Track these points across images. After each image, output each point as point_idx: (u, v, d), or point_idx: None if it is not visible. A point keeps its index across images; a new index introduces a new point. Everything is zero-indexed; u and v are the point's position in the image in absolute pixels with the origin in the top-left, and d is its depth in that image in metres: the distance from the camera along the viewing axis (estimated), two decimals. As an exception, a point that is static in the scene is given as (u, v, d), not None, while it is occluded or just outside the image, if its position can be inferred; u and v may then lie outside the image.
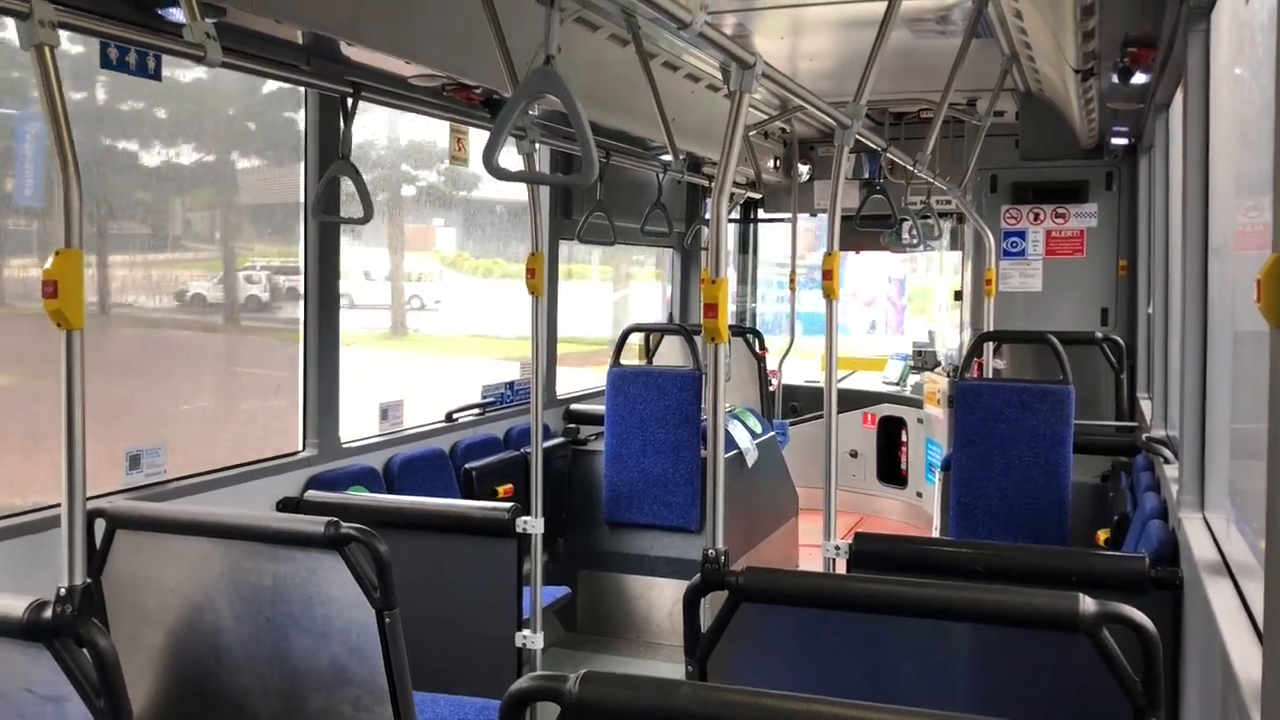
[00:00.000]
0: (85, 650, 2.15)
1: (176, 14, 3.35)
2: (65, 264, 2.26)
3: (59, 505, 2.36)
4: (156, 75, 3.65)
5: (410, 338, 5.86)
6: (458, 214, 6.54)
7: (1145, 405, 6.22)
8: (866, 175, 8.78)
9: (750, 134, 7.71)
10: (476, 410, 5.93)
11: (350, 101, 4.22)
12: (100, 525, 3.20)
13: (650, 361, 7.43)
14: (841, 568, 3.50)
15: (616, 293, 9.15)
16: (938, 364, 9.41)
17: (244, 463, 4.35)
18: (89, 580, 2.29)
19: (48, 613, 2.12)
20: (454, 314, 6.63)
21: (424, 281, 5.87)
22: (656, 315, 9.17)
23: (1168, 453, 4.45)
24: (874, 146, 4.76)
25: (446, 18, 4.35)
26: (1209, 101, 3.40)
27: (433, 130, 5.56)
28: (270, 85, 4.60)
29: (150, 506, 3.35)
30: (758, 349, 8.59)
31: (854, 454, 9.44)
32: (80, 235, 2.31)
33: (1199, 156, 3.44)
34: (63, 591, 2.18)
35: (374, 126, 5.19)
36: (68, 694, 2.14)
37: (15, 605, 2.13)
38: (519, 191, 6.11)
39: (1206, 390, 3.40)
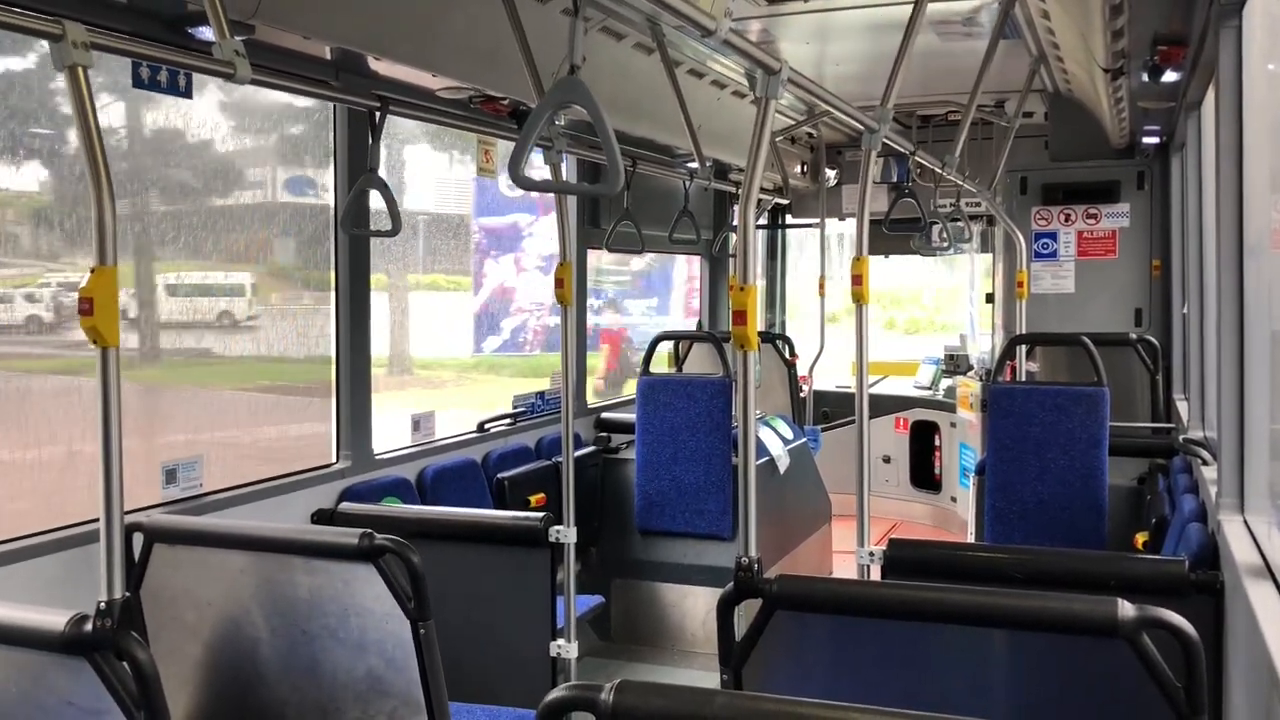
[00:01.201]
0: (125, 663, 2.17)
1: (206, 32, 3.38)
2: (100, 282, 2.31)
3: (97, 520, 2.39)
4: (188, 93, 3.70)
5: (164, 364, 4.40)
6: (288, 220, 4.89)
7: (1181, 406, 6.15)
8: (895, 179, 8.74)
9: (777, 139, 7.70)
10: (508, 420, 5.95)
11: (378, 116, 4.25)
12: (138, 539, 3.23)
13: (679, 369, 7.43)
14: (876, 574, 3.48)
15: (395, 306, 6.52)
16: (970, 367, 9.35)
17: (278, 475, 4.38)
18: (128, 594, 2.32)
19: (88, 626, 2.15)
20: (269, 333, 4.89)
21: (239, 296, 4.69)
22: (464, 338, 7.13)
23: (1206, 454, 4.39)
24: (902, 150, 4.74)
25: (473, 31, 4.38)
26: (1241, 98, 3.36)
27: (184, 115, 4.20)
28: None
29: (187, 520, 3.39)
30: (788, 355, 8.57)
31: (887, 459, 9.39)
32: (115, 254, 2.35)
33: (1232, 154, 3.39)
34: (102, 605, 2.20)
35: (112, 113, 3.94)
36: (108, 707, 2.16)
37: (56, 619, 2.16)
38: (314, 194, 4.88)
39: (1244, 390, 3.36)
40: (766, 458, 6.39)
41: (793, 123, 7.46)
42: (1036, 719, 2.19)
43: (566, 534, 3.99)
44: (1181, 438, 5.11)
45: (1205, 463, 4.32)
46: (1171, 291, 7.22)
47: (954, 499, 8.91)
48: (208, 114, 4.41)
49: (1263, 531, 3.11)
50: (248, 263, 4.74)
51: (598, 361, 8.27)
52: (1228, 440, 3.39)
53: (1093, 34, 4.71)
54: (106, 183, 2.34)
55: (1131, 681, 2.11)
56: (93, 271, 2.31)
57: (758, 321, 2.88)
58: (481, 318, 7.12)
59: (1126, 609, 2.12)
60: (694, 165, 6.24)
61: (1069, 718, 2.41)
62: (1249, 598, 2.55)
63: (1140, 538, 4.62)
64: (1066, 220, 7.80)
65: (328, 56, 4.32)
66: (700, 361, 7.55)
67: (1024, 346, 6.68)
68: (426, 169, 6.68)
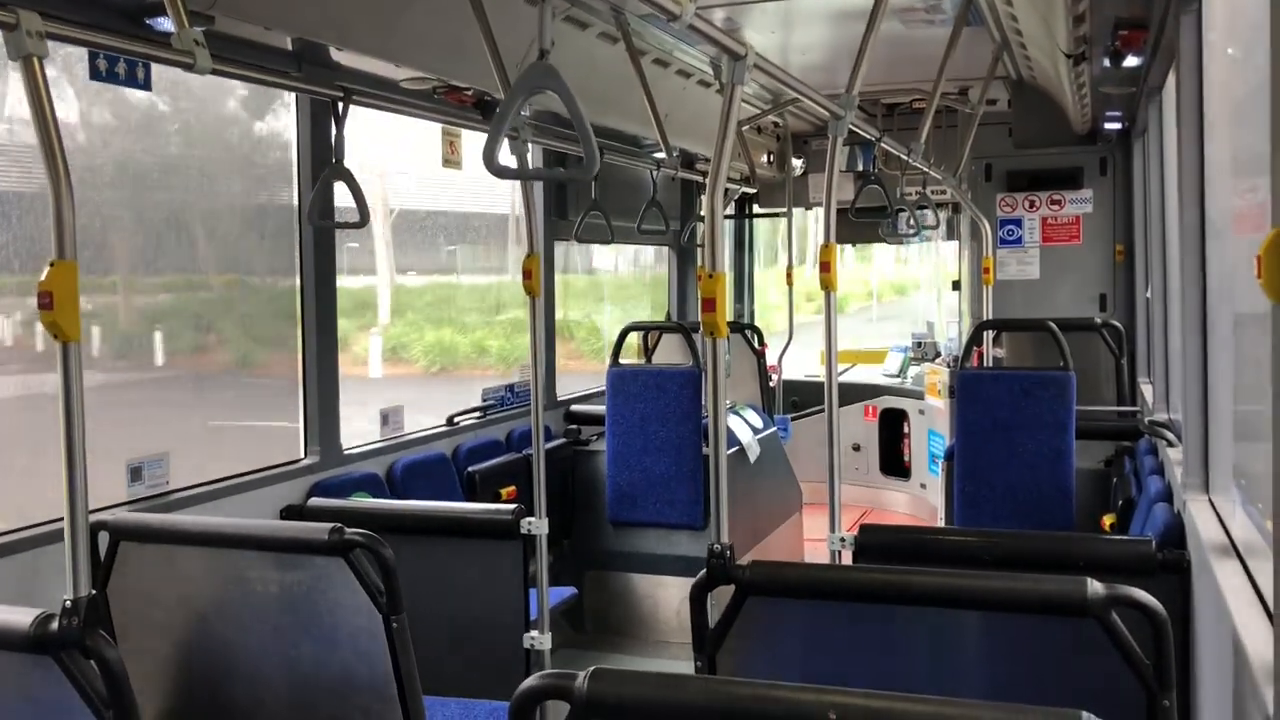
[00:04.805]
0: (93, 662, 2.14)
1: (165, 23, 3.34)
2: (59, 276, 2.27)
3: (62, 519, 2.35)
4: (146, 85, 3.64)
5: None
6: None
7: (1146, 389, 6.21)
8: (861, 167, 8.77)
9: (743, 129, 7.70)
10: (477, 413, 5.92)
11: (341, 106, 4.21)
12: (104, 538, 3.19)
13: (649, 360, 7.42)
14: (847, 559, 3.49)
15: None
16: (937, 355, 9.41)
17: (246, 471, 4.34)
18: (94, 592, 2.29)
19: (54, 625, 2.12)
20: None
21: None
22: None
23: (1171, 436, 4.44)
24: (867, 137, 4.76)
25: (436, 21, 4.34)
26: (1202, 82, 3.40)
27: None
28: None
29: (153, 518, 3.34)
30: (757, 344, 8.59)
31: (856, 447, 9.44)
32: (74, 247, 2.31)
33: (1193, 138, 3.43)
34: (68, 604, 2.17)
35: None
36: (76, 706, 2.13)
37: (22, 618, 2.13)
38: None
39: (1208, 373, 3.40)
40: (736, 447, 6.40)
41: (758, 111, 7.46)
42: (1008, 698, 2.20)
43: (538, 526, 3.98)
44: (1147, 420, 5.17)
45: (1170, 444, 4.37)
46: (1135, 276, 7.29)
47: (924, 485, 8.97)
48: None
49: (1227, 510, 3.15)
50: None
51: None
52: (1192, 422, 3.43)
53: (1054, 19, 4.74)
54: (65, 176, 2.31)
55: (1101, 659, 2.13)
56: (51, 265, 2.28)
57: (727, 312, 2.88)
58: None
59: (1096, 588, 2.14)
60: (661, 155, 6.23)
61: (1041, 696, 2.43)
62: (1215, 575, 2.58)
63: (1108, 519, 4.67)
64: (1031, 206, 7.86)
65: (289, 47, 4.27)
66: (669, 352, 7.56)
67: (991, 332, 6.73)
68: None
